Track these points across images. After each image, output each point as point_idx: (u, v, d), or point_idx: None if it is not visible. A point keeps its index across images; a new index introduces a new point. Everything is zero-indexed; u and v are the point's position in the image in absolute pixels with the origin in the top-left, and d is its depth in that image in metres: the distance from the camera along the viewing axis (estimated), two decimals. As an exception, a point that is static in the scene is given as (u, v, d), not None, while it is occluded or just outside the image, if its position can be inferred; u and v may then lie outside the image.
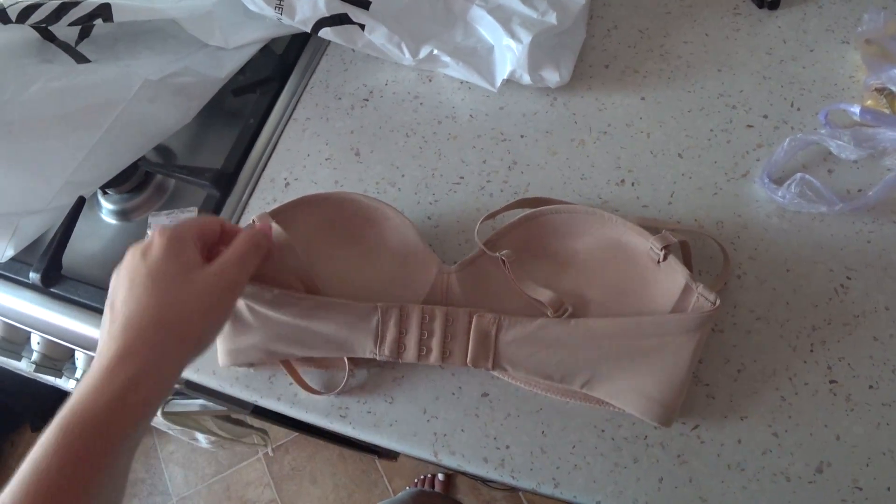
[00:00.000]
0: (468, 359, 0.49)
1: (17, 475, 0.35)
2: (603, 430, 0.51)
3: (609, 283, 0.51)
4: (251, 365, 0.54)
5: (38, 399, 1.55)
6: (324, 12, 0.62)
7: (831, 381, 0.51)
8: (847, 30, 0.67)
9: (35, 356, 0.75)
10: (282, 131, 0.68)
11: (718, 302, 0.46)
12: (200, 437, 0.96)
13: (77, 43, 0.66)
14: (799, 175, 0.56)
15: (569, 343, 0.48)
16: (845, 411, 0.50)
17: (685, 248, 0.53)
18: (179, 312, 0.40)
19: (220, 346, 0.53)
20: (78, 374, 0.75)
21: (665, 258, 0.48)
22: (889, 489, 0.47)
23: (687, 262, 0.53)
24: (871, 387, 0.50)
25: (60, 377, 0.80)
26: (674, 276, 0.48)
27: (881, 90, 0.60)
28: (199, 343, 0.41)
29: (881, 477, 0.47)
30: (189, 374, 0.57)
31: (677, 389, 0.47)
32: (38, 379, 0.89)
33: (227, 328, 0.52)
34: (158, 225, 0.45)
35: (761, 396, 0.51)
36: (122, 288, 0.41)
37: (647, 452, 0.50)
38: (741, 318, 0.53)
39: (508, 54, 0.62)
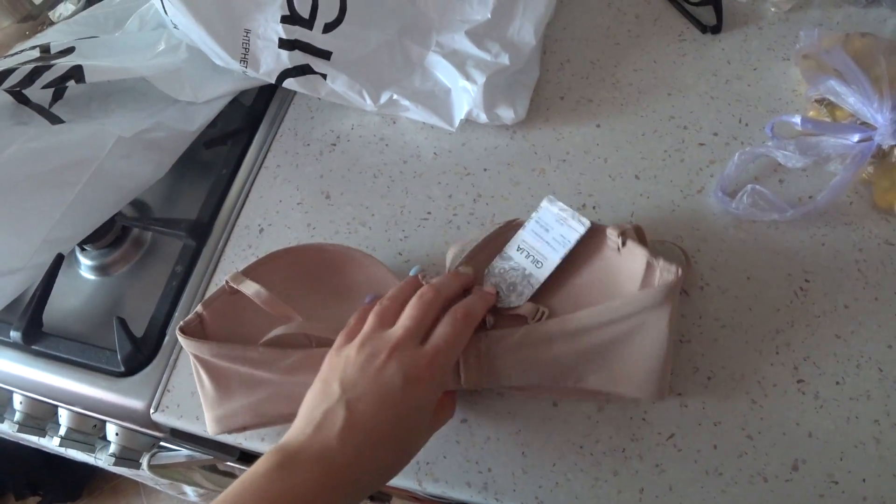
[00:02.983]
0: (462, 381, 0.49)
1: None
2: (581, 447, 0.52)
3: (580, 281, 0.53)
4: (244, 429, 0.53)
5: (22, 466, 1.53)
6: (287, 64, 0.65)
7: (799, 381, 0.52)
8: (786, 47, 0.70)
9: (18, 416, 0.75)
10: (254, 179, 0.70)
11: (681, 272, 0.47)
12: (188, 490, 0.96)
13: (51, 105, 0.67)
14: (750, 186, 0.58)
15: (554, 343, 0.49)
16: (815, 409, 0.51)
17: (640, 232, 0.54)
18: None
19: (208, 415, 0.53)
20: (62, 431, 0.74)
21: (624, 244, 0.50)
22: (864, 480, 0.48)
23: (643, 243, 0.53)
24: (837, 383, 0.52)
25: (44, 436, 0.79)
26: (635, 258, 0.50)
27: (821, 101, 0.63)
28: None
29: (855, 469, 0.49)
30: (173, 421, 0.58)
31: (663, 362, 0.48)
32: (21, 440, 0.88)
33: (212, 393, 0.52)
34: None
35: (733, 401, 0.52)
36: (373, 397, 0.42)
37: (626, 465, 0.51)
38: (707, 327, 0.55)
39: (465, 95, 0.65)
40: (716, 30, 0.72)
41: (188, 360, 0.59)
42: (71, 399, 0.64)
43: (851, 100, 0.59)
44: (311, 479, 0.39)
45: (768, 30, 0.72)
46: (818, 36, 0.65)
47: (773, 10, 0.73)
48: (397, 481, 0.52)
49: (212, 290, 0.63)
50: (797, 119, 0.60)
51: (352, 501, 0.42)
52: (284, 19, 0.63)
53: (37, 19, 0.85)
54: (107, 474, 1.66)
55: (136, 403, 0.60)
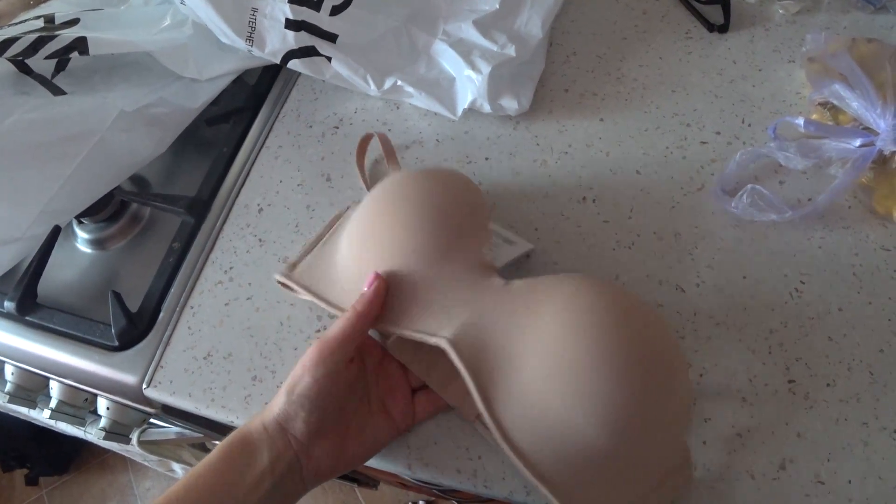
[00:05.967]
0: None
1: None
2: (572, 437, 0.52)
3: None
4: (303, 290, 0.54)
5: (10, 438, 1.54)
6: (292, 45, 0.65)
7: (790, 381, 0.53)
8: (792, 50, 0.70)
9: (9, 387, 0.75)
10: (255, 159, 0.70)
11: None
12: (176, 467, 0.96)
13: (53, 76, 0.67)
14: (750, 186, 0.58)
15: None
16: (805, 409, 0.52)
17: None
18: None
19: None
20: (53, 403, 0.75)
21: None
22: (850, 482, 0.49)
23: None
24: (828, 385, 0.52)
25: (34, 408, 0.79)
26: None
27: (824, 104, 0.63)
28: None
29: (841, 471, 0.49)
30: (165, 397, 0.58)
31: None
32: (10, 412, 0.88)
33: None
34: None
35: (724, 398, 0.52)
36: None
37: (616, 456, 0.51)
38: (701, 324, 0.55)
39: (469, 85, 0.65)
40: (723, 29, 0.72)
41: (182, 336, 0.60)
42: (63, 371, 0.64)
43: (855, 104, 0.59)
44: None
45: (775, 31, 0.72)
46: (824, 40, 0.66)
47: (780, 11, 0.73)
48: (387, 465, 0.53)
49: (208, 268, 0.63)
50: (800, 121, 0.60)
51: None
52: (292, 0, 0.63)
53: (42, -10, 0.84)
54: (95, 449, 1.67)
55: (128, 378, 0.60)
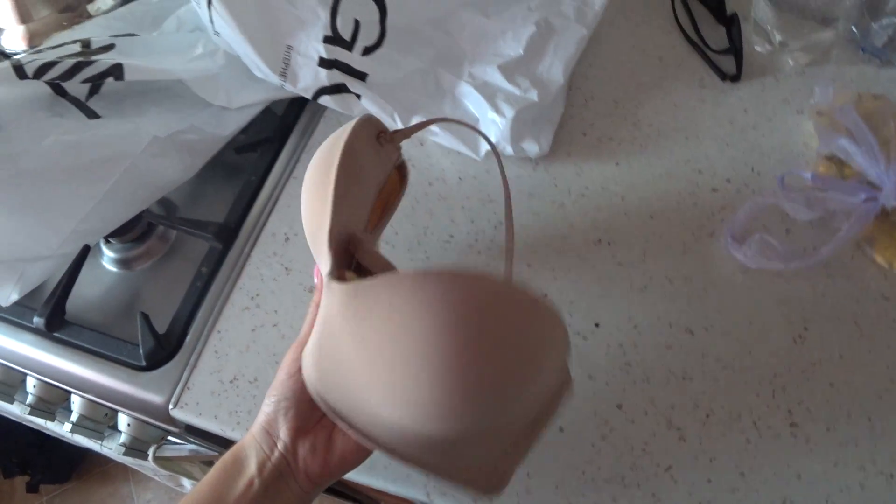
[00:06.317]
0: None
1: None
2: (584, 472, 0.54)
3: None
4: None
5: (13, 443, 1.54)
6: (324, 82, 0.67)
7: (792, 424, 0.55)
8: (801, 101, 0.73)
9: (30, 399, 0.76)
10: (282, 188, 0.72)
11: None
12: (186, 482, 0.97)
13: (87, 98, 0.69)
14: (758, 235, 0.61)
15: None
16: (805, 452, 0.54)
17: None
18: None
19: None
20: (74, 417, 0.76)
21: None
22: (847, 525, 0.51)
23: None
24: (828, 429, 0.55)
25: (53, 420, 0.81)
26: None
27: (831, 158, 0.66)
28: None
29: (839, 513, 0.52)
30: (191, 418, 0.60)
31: None
32: (26, 422, 0.89)
33: None
34: None
35: (728, 439, 0.55)
36: None
37: (625, 493, 0.53)
38: (709, 366, 0.58)
39: (492, 127, 0.67)
40: (735, 79, 0.75)
41: (209, 359, 0.62)
42: (89, 387, 0.66)
43: (860, 160, 0.62)
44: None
45: (785, 82, 0.75)
46: (832, 93, 0.68)
47: (791, 62, 0.76)
48: (403, 489, 0.55)
49: (236, 293, 0.65)
50: (808, 174, 0.63)
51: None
52: (327, 39, 0.66)
53: (75, 11, 0.87)
54: (97, 458, 1.67)
55: (155, 398, 0.62)
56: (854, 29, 0.76)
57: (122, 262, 0.73)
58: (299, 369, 0.43)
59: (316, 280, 0.48)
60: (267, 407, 0.45)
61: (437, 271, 0.36)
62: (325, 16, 0.65)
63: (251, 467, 0.43)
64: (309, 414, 0.44)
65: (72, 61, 0.66)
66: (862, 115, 0.64)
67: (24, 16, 0.85)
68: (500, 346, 0.35)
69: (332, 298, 0.39)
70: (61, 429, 0.82)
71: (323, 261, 0.42)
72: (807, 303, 0.61)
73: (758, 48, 0.77)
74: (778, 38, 0.75)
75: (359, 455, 0.45)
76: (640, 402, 0.57)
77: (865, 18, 0.75)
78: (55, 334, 0.67)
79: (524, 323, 0.37)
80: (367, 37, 0.67)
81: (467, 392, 0.35)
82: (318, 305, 0.45)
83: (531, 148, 0.67)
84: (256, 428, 0.45)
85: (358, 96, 0.68)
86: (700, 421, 0.56)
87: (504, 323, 0.36)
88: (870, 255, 0.63)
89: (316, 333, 0.41)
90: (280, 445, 0.44)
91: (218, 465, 0.44)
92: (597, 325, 0.60)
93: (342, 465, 0.45)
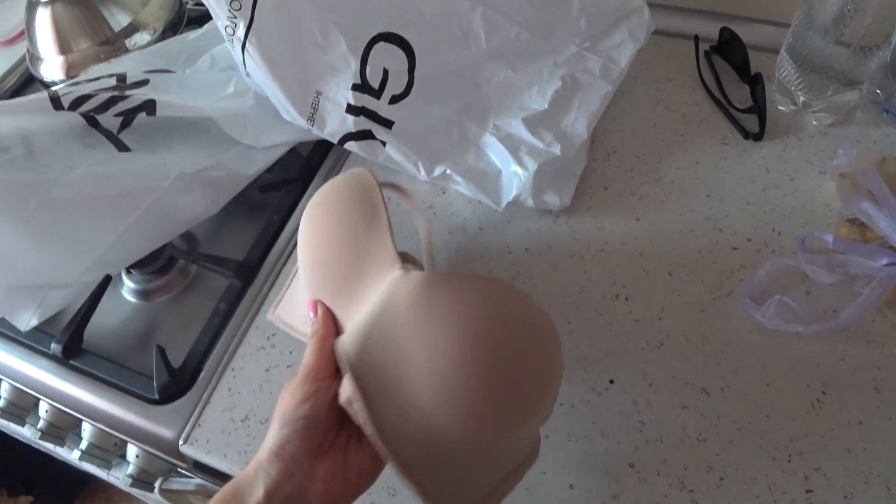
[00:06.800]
0: None
1: None
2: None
3: None
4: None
5: (18, 463, 1.52)
6: (351, 128, 0.69)
7: (808, 491, 0.54)
8: (824, 161, 0.73)
9: (41, 423, 0.77)
10: (304, 230, 0.72)
11: None
12: (190, 515, 0.97)
13: (119, 131, 0.70)
14: (777, 297, 0.61)
15: None
16: (821, 521, 0.53)
17: None
18: None
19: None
20: (83, 445, 0.77)
21: None
22: None
23: None
24: (845, 497, 0.54)
25: (62, 446, 0.82)
26: None
27: (853, 220, 0.66)
28: None
29: (855, 586, 0.50)
30: (200, 455, 0.60)
31: None
32: (37, 446, 0.90)
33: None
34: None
35: (742, 503, 0.54)
36: None
37: (635, 554, 0.52)
38: (724, 428, 0.57)
39: (515, 179, 0.68)
40: (758, 137, 0.75)
41: (222, 397, 0.62)
42: (101, 417, 0.67)
43: (882, 224, 0.61)
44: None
45: (808, 142, 0.75)
46: (856, 155, 0.68)
47: (814, 123, 0.76)
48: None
49: (252, 332, 0.66)
50: (829, 238, 0.63)
51: None
52: (355, 87, 0.67)
53: (114, 45, 0.90)
54: (101, 483, 1.66)
55: (165, 432, 0.62)
56: (878, 91, 0.76)
57: (142, 294, 0.74)
58: (314, 393, 0.44)
59: (311, 315, 0.50)
60: (276, 432, 0.44)
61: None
62: (355, 64, 0.67)
63: (257, 494, 0.42)
64: (324, 435, 0.44)
65: (106, 95, 0.68)
66: (885, 179, 0.64)
67: (64, 47, 0.88)
68: (534, 373, 0.42)
69: (402, 290, 0.44)
70: (70, 455, 0.82)
71: (387, 262, 0.47)
72: (825, 367, 0.60)
73: (781, 108, 0.78)
74: (801, 98, 0.75)
75: (374, 469, 0.45)
76: (652, 462, 0.56)
77: (890, 81, 0.75)
78: (71, 362, 0.68)
79: (554, 362, 0.44)
80: (395, 85, 0.68)
81: (509, 409, 0.41)
82: (320, 339, 0.47)
83: (553, 201, 0.68)
84: (265, 454, 0.43)
85: (383, 143, 0.69)
86: (714, 484, 0.55)
87: (544, 357, 0.43)
88: (891, 320, 0.62)
89: (368, 317, 0.44)
90: (295, 467, 0.43)
91: (218, 496, 0.43)
92: (611, 381, 0.60)
93: (360, 480, 0.45)
